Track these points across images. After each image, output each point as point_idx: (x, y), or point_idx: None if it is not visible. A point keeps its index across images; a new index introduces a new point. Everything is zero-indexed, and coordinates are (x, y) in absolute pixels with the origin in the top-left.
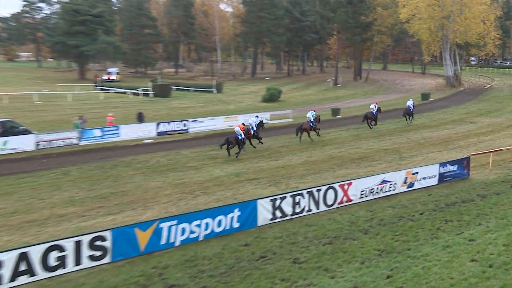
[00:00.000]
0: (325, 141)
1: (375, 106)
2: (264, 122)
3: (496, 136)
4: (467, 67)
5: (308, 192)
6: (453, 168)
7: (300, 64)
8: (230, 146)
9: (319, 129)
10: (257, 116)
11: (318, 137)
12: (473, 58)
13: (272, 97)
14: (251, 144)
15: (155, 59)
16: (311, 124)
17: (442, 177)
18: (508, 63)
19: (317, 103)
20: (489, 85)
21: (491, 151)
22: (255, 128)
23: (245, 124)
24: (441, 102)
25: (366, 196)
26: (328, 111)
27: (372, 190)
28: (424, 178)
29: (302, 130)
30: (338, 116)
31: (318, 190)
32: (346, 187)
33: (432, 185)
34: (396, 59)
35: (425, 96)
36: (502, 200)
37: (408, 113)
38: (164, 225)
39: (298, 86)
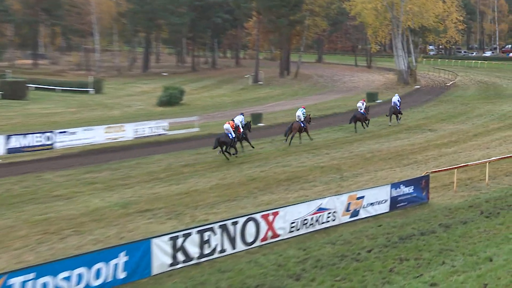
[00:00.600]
0: (244, 157)
1: (362, 104)
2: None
3: (462, 148)
4: (424, 59)
5: (220, 227)
6: (409, 190)
7: (208, 55)
8: (225, 147)
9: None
10: (242, 114)
11: (311, 140)
12: (431, 47)
13: (171, 100)
14: (242, 145)
15: (3, 46)
16: (302, 125)
17: (394, 202)
18: (474, 54)
19: (232, 107)
20: (451, 82)
21: (456, 167)
22: (242, 130)
23: (235, 121)
24: (388, 104)
25: (298, 230)
26: (247, 118)
27: (306, 221)
28: (372, 204)
29: (291, 131)
30: (260, 124)
31: (234, 223)
32: (271, 218)
33: (383, 213)
34: (334, 48)
35: (371, 97)
36: (471, 231)
37: (395, 112)
38: (16, 281)
39: (207, 84)
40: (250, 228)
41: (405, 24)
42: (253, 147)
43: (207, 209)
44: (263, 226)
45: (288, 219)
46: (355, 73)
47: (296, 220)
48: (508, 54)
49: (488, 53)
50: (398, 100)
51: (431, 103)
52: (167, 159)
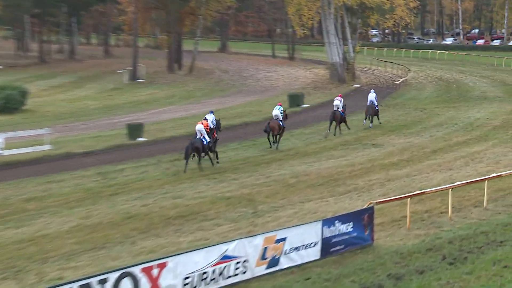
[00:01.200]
0: (116, 185)
1: (340, 101)
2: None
3: (417, 169)
4: (365, 48)
5: (82, 287)
6: (346, 228)
7: (64, 41)
8: (200, 155)
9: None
10: (211, 112)
11: (276, 149)
12: (374, 32)
13: (8, 105)
14: (209, 156)
15: None
16: (281, 124)
17: (327, 245)
18: (431, 41)
19: (99, 114)
20: (402, 79)
21: (409, 196)
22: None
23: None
24: (322, 109)
25: None
26: (121, 130)
27: (205, 276)
28: (296, 248)
29: (272, 131)
30: (139, 139)
31: (103, 282)
32: (155, 272)
33: (312, 261)
34: (243, 33)
35: (295, 100)
36: (429, 283)
37: (373, 113)
38: None
39: (62, 82)
40: (125, 287)
41: (339, 0)
42: (218, 162)
43: (62, 262)
44: (145, 284)
45: (181, 272)
46: (272, 67)
47: (192, 274)
48: (475, 42)
49: (449, 40)
50: (376, 98)
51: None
52: (2, 191)
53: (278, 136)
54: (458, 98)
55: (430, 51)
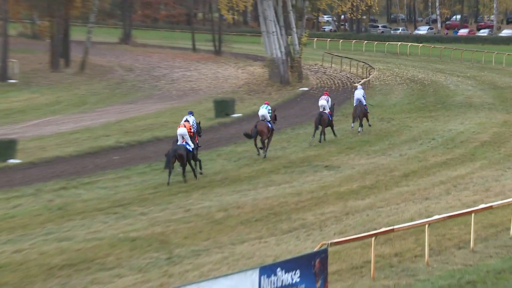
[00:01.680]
0: None
1: (327, 101)
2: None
3: (383, 199)
4: (315, 39)
5: None
6: (292, 278)
7: None
8: (184, 164)
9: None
10: (191, 113)
11: (263, 157)
12: (326, 19)
13: None
14: (191, 166)
15: None
16: (269, 126)
17: None
18: (401, 30)
19: None
20: (363, 80)
21: (374, 235)
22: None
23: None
24: (254, 119)
25: None
26: None
27: None
28: None
29: (261, 136)
30: (11, 161)
31: None
32: None
33: None
34: (153, 18)
35: (223, 107)
36: None
37: (362, 115)
38: None
39: None
40: None
41: None
42: (201, 173)
43: None
44: None
45: None
46: (192, 63)
47: None
48: (457, 32)
49: (423, 30)
50: (364, 96)
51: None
52: None
53: (266, 141)
54: (435, 106)
55: (399, 43)
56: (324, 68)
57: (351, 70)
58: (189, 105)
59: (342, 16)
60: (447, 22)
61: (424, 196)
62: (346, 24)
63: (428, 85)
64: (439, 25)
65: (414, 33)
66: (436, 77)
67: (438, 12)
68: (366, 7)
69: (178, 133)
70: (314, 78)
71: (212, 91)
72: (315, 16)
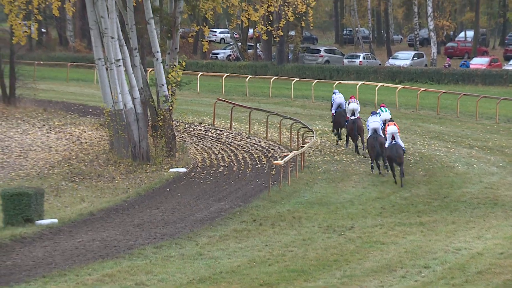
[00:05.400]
0: None
1: (358, 104)
2: None
3: None
4: (200, 74)
5: None
6: None
7: None
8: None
9: None
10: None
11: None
12: (220, 36)
13: None
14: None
15: None
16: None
17: None
18: (362, 58)
19: None
20: (288, 155)
21: None
22: None
23: None
24: (93, 232)
25: None
26: None
27: None
28: None
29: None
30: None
31: None
32: None
33: None
34: None
35: (17, 207)
36: None
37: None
38: None
39: None
40: None
41: None
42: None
43: None
44: None
45: None
46: None
47: None
48: (467, 63)
49: (403, 58)
50: (357, 103)
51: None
52: None
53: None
54: (429, 203)
55: (359, 84)
56: (216, 129)
57: (269, 134)
58: None
59: (251, 31)
60: (449, 44)
61: None
62: (258, 47)
63: (415, 163)
64: (433, 49)
65: (387, 64)
66: (429, 149)
67: (431, 24)
68: (297, 15)
69: (389, 131)
70: (197, 149)
71: None
72: (195, 29)
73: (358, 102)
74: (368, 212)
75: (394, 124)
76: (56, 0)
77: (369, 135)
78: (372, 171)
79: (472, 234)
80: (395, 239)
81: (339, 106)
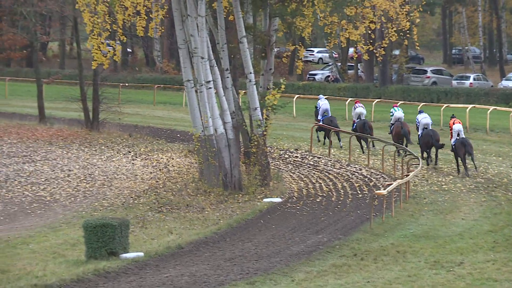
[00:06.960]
0: None
1: (364, 108)
2: None
3: None
4: (296, 97)
5: None
6: None
7: None
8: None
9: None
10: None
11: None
12: (319, 56)
13: None
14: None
15: None
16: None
17: None
18: (473, 80)
19: None
20: (394, 183)
21: None
22: None
23: None
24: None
25: None
26: None
27: None
28: None
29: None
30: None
31: None
32: None
33: None
34: None
35: (101, 239)
36: None
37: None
38: None
39: None
40: None
41: None
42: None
43: None
44: None
45: None
46: (41, 146)
47: None
48: None
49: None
50: (362, 106)
51: None
52: None
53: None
54: None
55: (469, 107)
56: (313, 156)
57: (370, 161)
58: (30, 237)
59: (351, 51)
60: None
61: None
62: (359, 67)
63: None
64: None
65: (500, 85)
66: None
67: None
68: (401, 33)
69: (455, 129)
70: (292, 177)
71: (81, 204)
72: (292, 48)
73: (363, 105)
74: (479, 247)
75: (459, 122)
76: (140, 19)
77: (420, 132)
78: (428, 163)
79: None
80: (509, 276)
81: (325, 112)
